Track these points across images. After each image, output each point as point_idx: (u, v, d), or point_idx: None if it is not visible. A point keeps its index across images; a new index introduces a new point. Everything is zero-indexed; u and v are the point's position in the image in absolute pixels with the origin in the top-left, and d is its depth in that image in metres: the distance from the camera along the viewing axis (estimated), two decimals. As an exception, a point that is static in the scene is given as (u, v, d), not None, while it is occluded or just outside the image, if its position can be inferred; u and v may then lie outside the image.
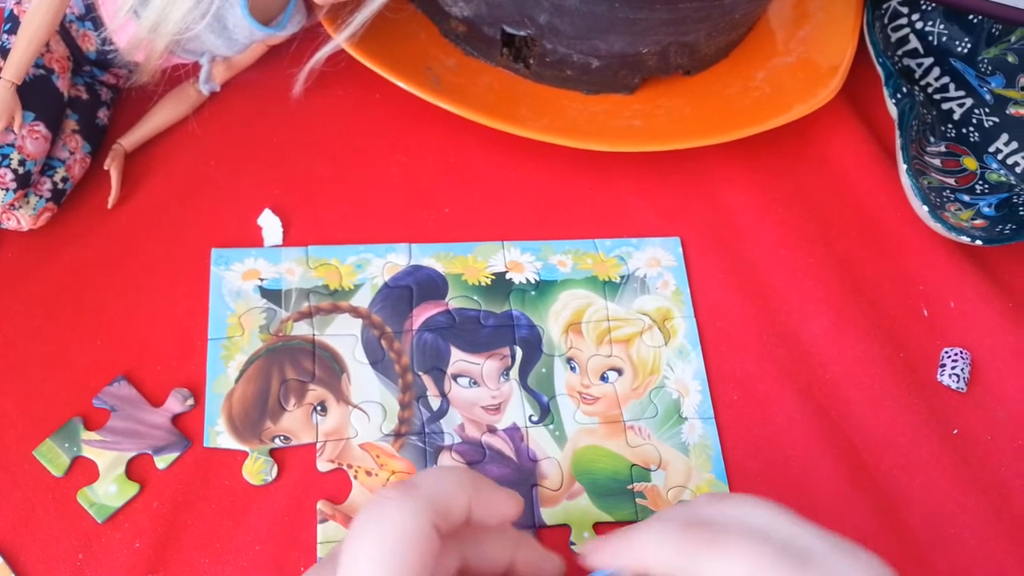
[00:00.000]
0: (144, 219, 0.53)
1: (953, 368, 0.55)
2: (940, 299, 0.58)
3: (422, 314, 0.52)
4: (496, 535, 0.36)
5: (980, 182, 0.62)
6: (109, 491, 0.45)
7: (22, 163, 0.48)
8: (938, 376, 0.55)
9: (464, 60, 0.60)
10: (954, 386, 0.54)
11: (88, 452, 0.46)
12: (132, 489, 0.45)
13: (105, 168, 0.52)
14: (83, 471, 0.45)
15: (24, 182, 0.48)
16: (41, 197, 0.50)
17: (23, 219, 0.49)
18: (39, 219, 0.50)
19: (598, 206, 0.58)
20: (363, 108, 0.60)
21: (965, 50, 0.65)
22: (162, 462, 0.46)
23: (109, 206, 0.53)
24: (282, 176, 0.56)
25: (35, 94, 0.49)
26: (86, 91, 0.53)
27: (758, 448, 0.51)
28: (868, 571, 0.30)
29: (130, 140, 0.54)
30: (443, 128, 0.59)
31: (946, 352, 0.56)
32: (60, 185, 0.51)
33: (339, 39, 0.53)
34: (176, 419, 0.47)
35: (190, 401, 0.48)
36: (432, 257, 0.54)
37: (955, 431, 0.53)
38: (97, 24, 0.51)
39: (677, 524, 0.33)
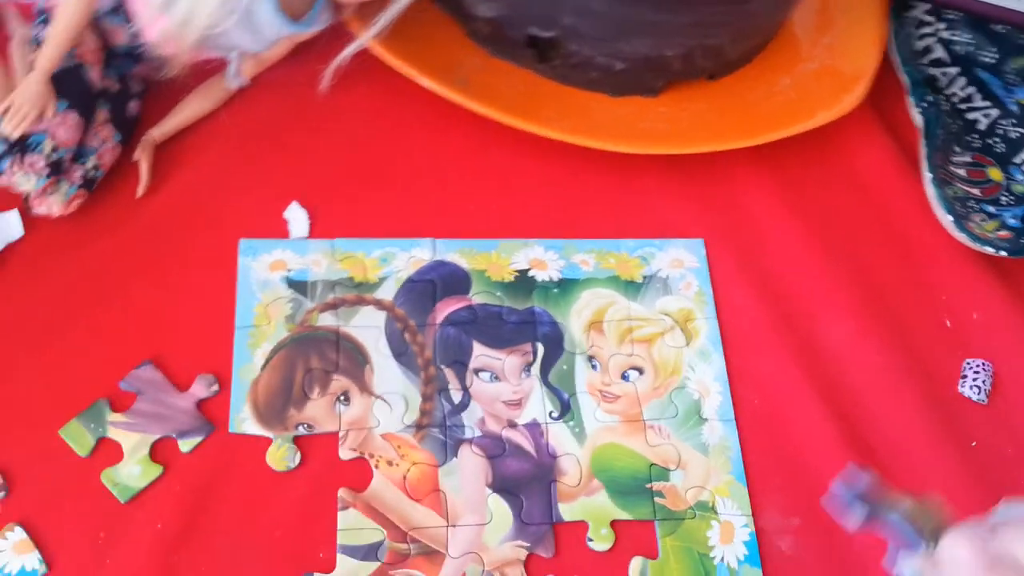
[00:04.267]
0: (173, 208, 0.54)
1: (975, 380, 0.55)
2: (963, 310, 0.58)
3: (445, 308, 0.53)
4: None
5: (1005, 193, 0.62)
6: (133, 472, 0.45)
7: (55, 150, 0.48)
8: (959, 387, 0.55)
9: (490, 61, 0.60)
10: (975, 398, 0.54)
11: (113, 433, 0.46)
12: (155, 471, 0.46)
13: (135, 158, 0.53)
14: (108, 452, 0.46)
15: (56, 169, 0.49)
16: (73, 184, 0.50)
17: (55, 205, 0.50)
18: (70, 205, 0.50)
19: (621, 206, 0.59)
20: (389, 105, 0.60)
21: (992, 60, 0.65)
22: (186, 445, 0.47)
23: (139, 195, 0.53)
24: (309, 170, 0.57)
25: (67, 84, 0.50)
26: (118, 82, 0.54)
27: (777, 451, 0.51)
28: None
29: (160, 131, 0.55)
30: (468, 126, 0.59)
31: (968, 363, 0.56)
32: (91, 173, 0.51)
33: (365, 38, 0.54)
34: (201, 404, 0.48)
35: (215, 387, 0.48)
36: (456, 253, 0.55)
37: (974, 443, 0.53)
38: (128, 18, 0.52)
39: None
